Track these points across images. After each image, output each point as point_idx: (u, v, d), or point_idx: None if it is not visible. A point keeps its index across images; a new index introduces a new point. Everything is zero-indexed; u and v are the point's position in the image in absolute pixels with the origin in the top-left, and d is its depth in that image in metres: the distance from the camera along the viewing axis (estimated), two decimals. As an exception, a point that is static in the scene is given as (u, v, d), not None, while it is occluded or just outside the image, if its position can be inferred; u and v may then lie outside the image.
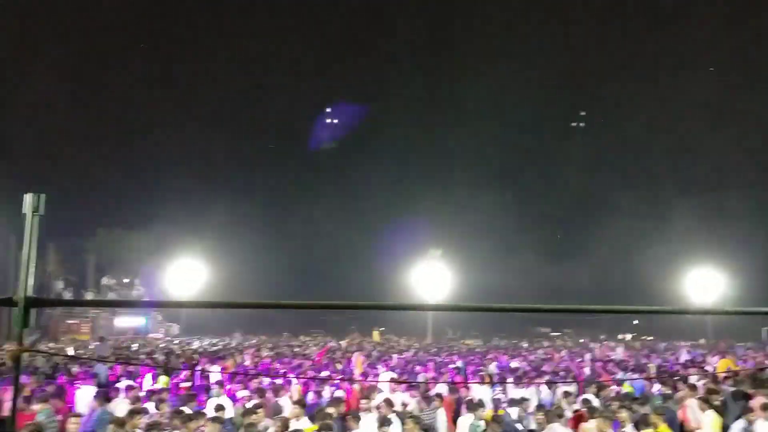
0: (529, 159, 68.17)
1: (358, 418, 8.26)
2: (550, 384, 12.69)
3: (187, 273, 46.46)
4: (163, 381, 13.04)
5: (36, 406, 8.97)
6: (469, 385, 12.43)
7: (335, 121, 72.79)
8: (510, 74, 65.71)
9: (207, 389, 11.49)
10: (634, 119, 66.47)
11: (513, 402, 10.63)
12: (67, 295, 42.87)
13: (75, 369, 14.47)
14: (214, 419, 8.06)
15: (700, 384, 12.50)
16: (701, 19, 60.71)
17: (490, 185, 64.38)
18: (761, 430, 8.48)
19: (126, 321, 45.81)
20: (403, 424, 8.31)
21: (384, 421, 8.60)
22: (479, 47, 69.27)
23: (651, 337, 45.21)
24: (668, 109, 64.52)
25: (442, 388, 12.29)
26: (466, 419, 9.89)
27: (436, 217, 57.82)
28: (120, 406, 10.04)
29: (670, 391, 11.65)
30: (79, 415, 8.42)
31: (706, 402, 10.19)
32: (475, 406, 9.81)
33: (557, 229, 62.88)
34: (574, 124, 71.75)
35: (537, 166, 68.15)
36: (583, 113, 71.64)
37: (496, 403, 10.71)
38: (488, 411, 10.49)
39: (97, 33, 62.50)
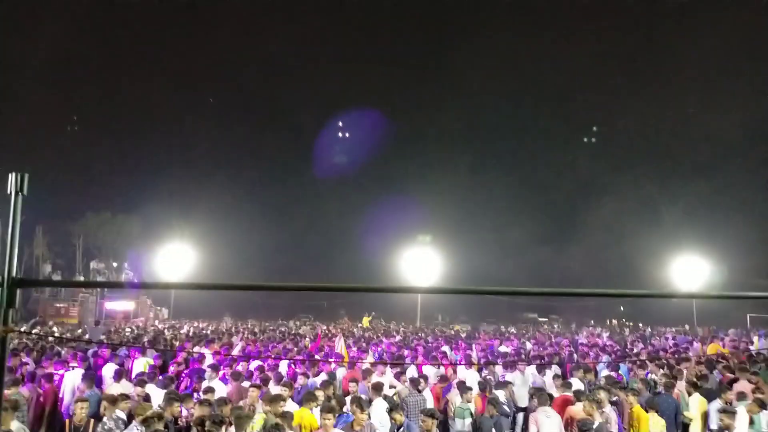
0: (521, 144, 68.28)
1: (362, 402, 8.27)
2: (540, 368, 12.81)
3: (175, 257, 46.32)
4: (144, 363, 13.05)
5: (7, 390, 8.90)
6: (456, 368, 12.52)
7: (326, 104, 72.42)
8: (503, 54, 65.67)
9: (200, 372, 11.50)
10: (627, 106, 66.69)
11: (500, 385, 10.74)
12: (56, 278, 42.56)
13: (63, 352, 14.43)
14: (202, 402, 8.07)
15: (684, 368, 12.69)
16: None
17: (480, 170, 64.62)
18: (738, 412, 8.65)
19: (115, 305, 45.61)
20: (391, 411, 8.36)
21: (367, 403, 8.66)
22: (472, 21, 69.08)
23: (635, 324, 45.60)
24: (660, 98, 64.79)
25: (429, 371, 12.40)
26: (453, 396, 10.05)
27: (426, 201, 57.94)
28: (111, 390, 10.04)
29: (656, 378, 11.79)
30: (85, 400, 8.37)
31: (694, 386, 10.36)
32: (464, 388, 9.90)
33: (548, 215, 63.03)
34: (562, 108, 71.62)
35: (528, 151, 68.26)
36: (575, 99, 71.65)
37: (485, 385, 10.82)
38: (475, 394, 10.62)
39: (89, 18, 61.61)
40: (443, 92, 73.86)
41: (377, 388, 9.60)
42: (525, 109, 69.41)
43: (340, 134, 69.65)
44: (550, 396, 9.29)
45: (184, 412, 8.57)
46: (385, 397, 9.24)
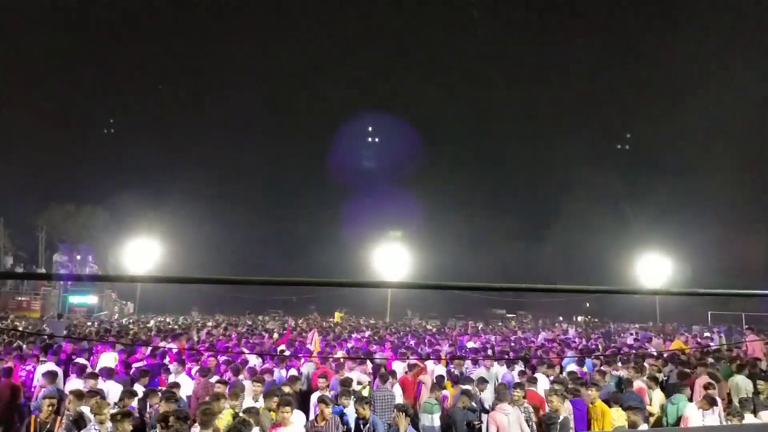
0: (492, 140, 68.81)
1: (327, 398, 8.28)
2: (508, 364, 12.96)
3: (142, 250, 45.61)
4: (111, 358, 12.82)
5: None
6: (425, 363, 12.59)
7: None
8: (481, 46, 66.02)
9: (163, 367, 11.34)
10: (600, 105, 67.65)
11: (467, 380, 10.83)
12: (18, 271, 41.43)
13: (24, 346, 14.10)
14: (168, 397, 7.95)
15: (647, 364, 12.98)
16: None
17: (452, 166, 64.96)
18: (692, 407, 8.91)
19: (78, 299, 44.68)
20: (356, 402, 8.37)
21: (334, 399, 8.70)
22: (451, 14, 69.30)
23: (601, 320, 46.46)
24: (633, 97, 65.89)
25: (398, 367, 12.45)
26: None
27: (397, 196, 58.02)
28: (73, 384, 9.85)
29: (623, 373, 11.99)
30: (53, 396, 8.15)
31: (653, 380, 10.61)
32: (435, 386, 9.99)
33: (518, 211, 63.69)
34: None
35: (499, 148, 68.84)
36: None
37: (457, 377, 10.96)
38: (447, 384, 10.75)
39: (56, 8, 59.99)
40: (416, 86, 73.96)
41: (346, 383, 9.62)
42: (498, 105, 69.91)
43: (312, 130, 69.24)
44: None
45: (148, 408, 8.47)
46: (353, 392, 9.24)
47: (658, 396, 10.23)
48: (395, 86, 73.98)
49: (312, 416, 8.50)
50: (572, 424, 8.62)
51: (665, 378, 12.35)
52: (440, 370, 12.26)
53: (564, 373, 12.18)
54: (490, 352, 16.01)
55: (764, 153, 54.86)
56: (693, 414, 8.69)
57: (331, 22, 70.08)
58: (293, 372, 11.50)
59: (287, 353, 14.59)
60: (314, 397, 9.05)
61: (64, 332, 21.62)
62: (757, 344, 15.90)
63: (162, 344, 15.53)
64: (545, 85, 69.75)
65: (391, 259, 46.89)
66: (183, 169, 61.49)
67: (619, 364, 12.85)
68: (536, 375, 11.31)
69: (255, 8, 69.98)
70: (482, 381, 10.78)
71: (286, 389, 9.10)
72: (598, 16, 69.86)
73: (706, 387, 9.55)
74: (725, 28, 58.13)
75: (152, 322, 31.05)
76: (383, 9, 72.99)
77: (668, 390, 10.57)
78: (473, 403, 9.28)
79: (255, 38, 70.17)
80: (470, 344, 19.24)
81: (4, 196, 40.77)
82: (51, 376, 9.82)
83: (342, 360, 12.19)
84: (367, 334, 23.66)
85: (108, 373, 10.10)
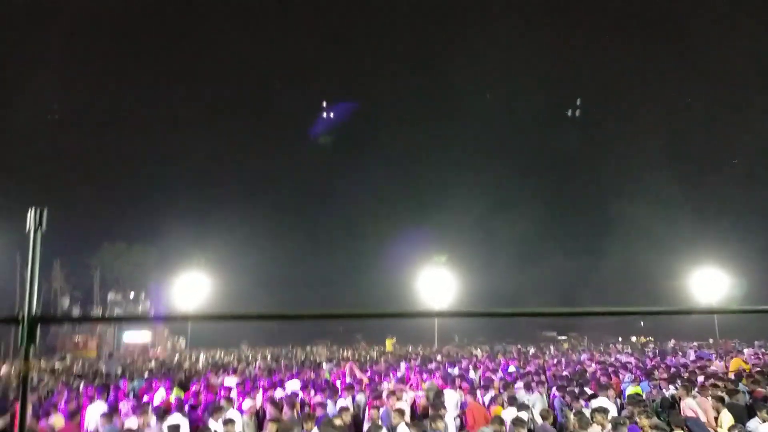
0: (534, 163, 68.07)
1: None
2: (561, 388, 12.61)
3: (192, 286, 46.47)
4: (174, 394, 13.00)
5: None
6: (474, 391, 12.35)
7: (335, 127, 72.75)
8: (510, 75, 65.83)
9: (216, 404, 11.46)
10: (635, 115, 66.42)
11: (521, 407, 10.56)
12: (74, 311, 42.82)
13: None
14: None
15: (708, 383, 12.42)
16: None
17: (494, 190, 64.40)
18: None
19: (132, 336, 45.75)
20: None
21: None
22: (480, 47, 69.46)
23: (656, 339, 44.84)
24: (671, 107, 64.52)
25: (448, 395, 12.23)
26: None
27: (442, 221, 57.84)
28: (130, 423, 10.03)
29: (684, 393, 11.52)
30: None
31: (719, 401, 10.14)
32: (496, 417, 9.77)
33: (565, 232, 62.59)
34: (571, 114, 71.12)
35: (542, 170, 68.03)
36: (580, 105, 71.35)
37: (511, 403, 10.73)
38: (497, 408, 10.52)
39: (103, 49, 62.78)
40: (456, 111, 73.96)
41: (400, 412, 9.54)
42: (542, 128, 69.21)
43: (356, 161, 69.88)
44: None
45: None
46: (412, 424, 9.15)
47: (726, 418, 9.75)
48: (432, 111, 74.08)
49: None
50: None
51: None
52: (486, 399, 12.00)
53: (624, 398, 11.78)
54: (543, 377, 15.62)
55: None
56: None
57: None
58: (343, 402, 11.45)
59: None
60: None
61: (119, 371, 22.11)
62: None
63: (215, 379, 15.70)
64: (592, 102, 68.59)
65: (437, 284, 46.46)
66: (229, 206, 62.86)
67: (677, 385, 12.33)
68: (598, 399, 10.95)
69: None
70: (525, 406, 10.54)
71: (338, 422, 9.06)
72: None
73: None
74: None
75: (202, 357, 31.51)
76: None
77: (741, 412, 10.05)
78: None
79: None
80: (512, 368, 18.84)
81: (60, 237, 42.27)
82: (107, 416, 10.01)
83: (393, 389, 12.08)
84: (417, 361, 23.43)
85: (164, 411, 10.25)
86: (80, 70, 61.01)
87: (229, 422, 9.10)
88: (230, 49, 71.13)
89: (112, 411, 10.54)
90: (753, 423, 8.94)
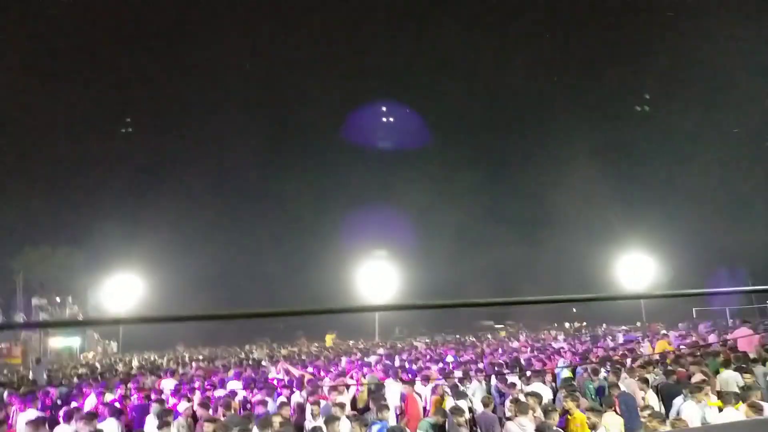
0: (470, 155, 69.07)
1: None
2: (498, 376, 12.92)
3: (122, 288, 44.91)
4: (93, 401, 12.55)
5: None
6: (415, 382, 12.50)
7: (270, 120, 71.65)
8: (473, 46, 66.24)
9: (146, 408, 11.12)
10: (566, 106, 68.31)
11: (460, 395, 10.76)
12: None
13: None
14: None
15: (635, 365, 13.04)
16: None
17: (430, 183, 65.07)
18: (695, 406, 8.93)
19: (60, 342, 43.82)
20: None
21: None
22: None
23: (589, 324, 46.68)
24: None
25: (391, 387, 12.33)
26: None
27: (380, 216, 57.97)
28: (62, 430, 9.63)
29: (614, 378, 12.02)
30: None
31: (644, 382, 10.68)
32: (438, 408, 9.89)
33: (497, 219, 63.80)
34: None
35: (477, 163, 69.10)
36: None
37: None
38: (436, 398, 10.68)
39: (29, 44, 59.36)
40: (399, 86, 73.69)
41: (341, 406, 9.54)
42: (478, 119, 70.27)
43: (294, 156, 69.07)
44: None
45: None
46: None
47: (652, 397, 10.28)
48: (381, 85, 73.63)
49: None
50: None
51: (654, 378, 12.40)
52: (427, 390, 12.17)
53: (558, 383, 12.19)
54: (480, 365, 15.97)
55: (742, 147, 55.88)
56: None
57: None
58: (282, 399, 11.34)
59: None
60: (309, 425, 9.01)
61: (45, 377, 21.12)
62: (746, 339, 16.07)
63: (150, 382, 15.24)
64: (537, 88, 69.76)
65: (377, 278, 46.75)
66: (159, 203, 60.93)
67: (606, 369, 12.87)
68: (533, 385, 11.29)
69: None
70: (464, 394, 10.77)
71: (277, 419, 8.97)
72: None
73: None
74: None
75: (135, 360, 30.55)
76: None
77: (665, 391, 10.61)
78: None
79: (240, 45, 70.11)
80: (449, 358, 19.25)
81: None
82: (35, 424, 9.54)
83: (334, 385, 12.07)
84: (357, 356, 23.48)
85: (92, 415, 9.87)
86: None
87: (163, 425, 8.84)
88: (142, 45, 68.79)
89: (41, 419, 10.06)
90: (677, 400, 9.45)
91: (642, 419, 8.19)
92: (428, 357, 20.97)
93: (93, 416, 9.76)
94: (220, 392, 12.73)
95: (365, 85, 72.38)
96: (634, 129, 60.67)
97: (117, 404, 11.71)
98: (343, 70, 71.53)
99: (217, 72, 68.49)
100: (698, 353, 14.67)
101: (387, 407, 9.22)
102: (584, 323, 49.15)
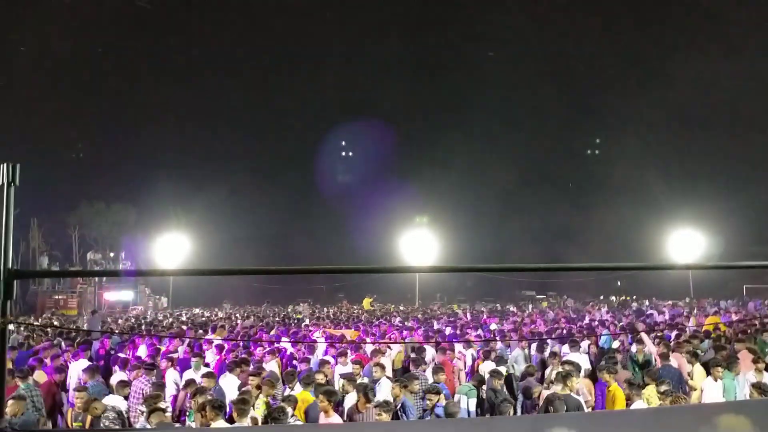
0: (517, 122, 67.81)
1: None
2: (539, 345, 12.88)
3: (172, 245, 46.40)
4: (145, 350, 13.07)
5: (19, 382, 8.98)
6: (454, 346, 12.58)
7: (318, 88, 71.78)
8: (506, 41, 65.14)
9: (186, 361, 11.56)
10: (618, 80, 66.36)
11: (500, 361, 10.79)
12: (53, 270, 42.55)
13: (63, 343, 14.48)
14: (200, 389, 8.12)
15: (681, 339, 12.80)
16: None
17: (476, 149, 64.33)
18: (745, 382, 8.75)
19: (114, 295, 45.73)
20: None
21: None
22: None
23: (634, 298, 45.86)
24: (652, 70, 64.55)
25: (429, 352, 12.47)
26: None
27: (423, 182, 57.85)
28: (118, 377, 10.12)
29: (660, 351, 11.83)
30: (84, 389, 8.46)
31: (694, 356, 10.47)
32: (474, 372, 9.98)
33: (544, 191, 62.79)
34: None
35: (525, 127, 67.85)
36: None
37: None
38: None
39: (82, 12, 60.61)
40: (442, 84, 73.15)
41: (381, 367, 9.71)
42: (526, 90, 68.71)
43: (339, 125, 69.25)
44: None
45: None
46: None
47: (698, 371, 10.07)
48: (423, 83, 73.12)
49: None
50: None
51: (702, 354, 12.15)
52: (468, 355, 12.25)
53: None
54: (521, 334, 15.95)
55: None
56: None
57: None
58: (327, 358, 11.60)
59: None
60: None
61: (100, 327, 22.15)
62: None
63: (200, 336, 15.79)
64: (573, 75, 68.14)
65: (418, 244, 46.90)
66: (210, 164, 62.23)
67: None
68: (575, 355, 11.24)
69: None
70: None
71: (320, 376, 9.19)
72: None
73: (755, 362, 9.38)
74: None
75: (184, 315, 31.66)
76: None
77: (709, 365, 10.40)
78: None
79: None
80: (493, 326, 19.19)
81: (36, 196, 41.70)
82: (91, 371, 10.06)
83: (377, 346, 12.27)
84: (398, 319, 23.76)
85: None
86: (59, 33, 59.00)
87: (208, 375, 9.19)
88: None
89: (94, 366, 10.60)
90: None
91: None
92: (471, 324, 21.02)
93: (152, 366, 10.18)
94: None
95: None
96: (693, 92, 58.16)
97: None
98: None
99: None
100: (748, 330, 14.29)
101: (417, 377, 9.29)
102: (632, 297, 48.30)
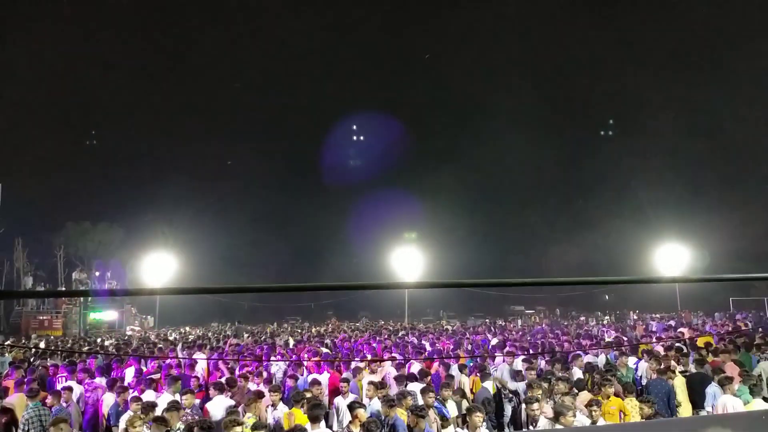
0: (506, 143, 68.32)
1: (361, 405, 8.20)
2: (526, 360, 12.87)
3: (159, 264, 45.98)
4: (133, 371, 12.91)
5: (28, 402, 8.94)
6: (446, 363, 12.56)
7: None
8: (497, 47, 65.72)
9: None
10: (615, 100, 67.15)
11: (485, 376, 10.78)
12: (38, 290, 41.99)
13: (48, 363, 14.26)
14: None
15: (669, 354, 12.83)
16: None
17: (464, 167, 64.68)
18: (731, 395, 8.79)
19: (99, 315, 45.14)
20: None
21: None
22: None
23: (621, 312, 45.99)
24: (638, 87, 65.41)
25: (416, 368, 12.41)
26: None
27: (412, 199, 57.99)
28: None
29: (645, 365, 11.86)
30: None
31: (672, 371, 10.54)
32: (446, 383, 9.93)
33: (531, 209, 63.21)
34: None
35: (514, 150, 68.37)
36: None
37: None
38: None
39: (68, 22, 60.67)
40: (431, 90, 73.65)
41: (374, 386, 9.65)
42: (514, 105, 69.31)
43: (325, 139, 69.38)
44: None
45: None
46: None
47: (679, 384, 10.11)
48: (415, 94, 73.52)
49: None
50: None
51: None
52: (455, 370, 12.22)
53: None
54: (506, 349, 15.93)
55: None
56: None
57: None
58: (315, 376, 11.53)
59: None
60: (340, 402, 9.20)
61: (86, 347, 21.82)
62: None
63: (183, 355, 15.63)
64: (570, 83, 68.91)
65: (407, 261, 46.85)
66: (194, 183, 61.98)
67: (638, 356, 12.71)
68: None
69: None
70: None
71: (309, 394, 9.12)
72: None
73: (741, 375, 9.45)
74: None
75: (172, 335, 31.31)
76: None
77: (695, 380, 10.44)
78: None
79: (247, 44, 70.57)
80: (494, 341, 19.16)
81: (21, 216, 41.28)
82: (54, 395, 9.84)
83: (364, 364, 12.20)
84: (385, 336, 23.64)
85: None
86: (44, 44, 58.86)
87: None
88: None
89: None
90: (711, 389, 9.33)
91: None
92: (458, 338, 20.98)
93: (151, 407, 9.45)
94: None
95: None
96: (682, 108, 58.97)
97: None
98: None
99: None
100: (730, 343, 14.38)
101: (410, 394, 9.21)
102: (616, 311, 48.46)
